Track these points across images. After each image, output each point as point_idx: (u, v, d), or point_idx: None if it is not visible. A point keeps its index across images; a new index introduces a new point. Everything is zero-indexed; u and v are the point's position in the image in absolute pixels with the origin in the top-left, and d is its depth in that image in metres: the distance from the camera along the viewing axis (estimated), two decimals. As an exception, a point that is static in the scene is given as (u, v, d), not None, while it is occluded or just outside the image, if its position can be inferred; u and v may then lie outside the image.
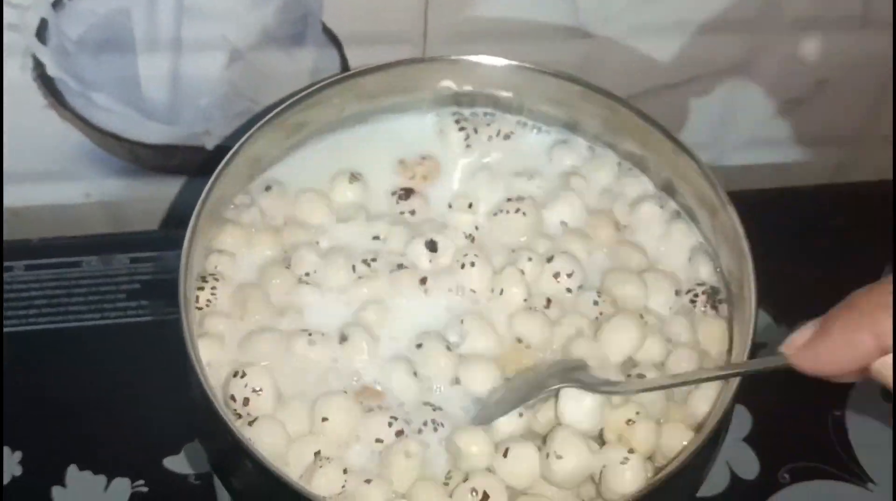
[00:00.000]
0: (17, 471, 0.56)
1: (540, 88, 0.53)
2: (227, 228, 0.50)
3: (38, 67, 0.61)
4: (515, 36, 0.63)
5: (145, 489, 0.56)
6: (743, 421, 0.61)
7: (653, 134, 0.50)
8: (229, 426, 0.41)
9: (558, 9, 0.63)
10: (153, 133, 0.66)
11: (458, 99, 0.54)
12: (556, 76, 0.52)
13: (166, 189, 0.70)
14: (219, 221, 0.50)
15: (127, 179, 0.69)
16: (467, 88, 0.53)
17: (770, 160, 0.76)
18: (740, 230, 0.46)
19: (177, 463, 0.57)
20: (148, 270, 0.65)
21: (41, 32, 0.59)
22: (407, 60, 0.53)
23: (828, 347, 0.36)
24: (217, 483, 0.55)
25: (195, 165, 0.69)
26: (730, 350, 0.47)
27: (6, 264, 0.64)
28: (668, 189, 0.52)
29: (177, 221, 0.71)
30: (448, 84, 0.53)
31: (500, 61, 0.52)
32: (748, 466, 0.59)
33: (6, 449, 0.57)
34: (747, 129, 0.74)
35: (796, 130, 0.74)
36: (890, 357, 0.35)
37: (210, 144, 0.68)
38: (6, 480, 0.56)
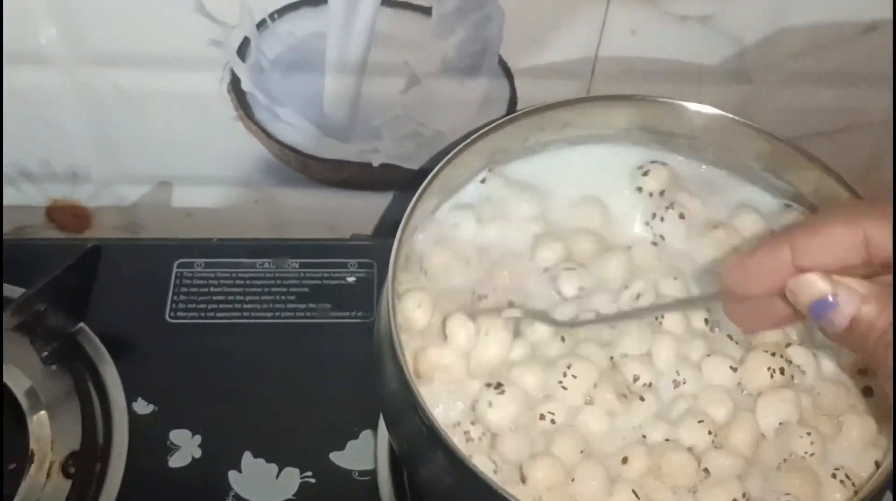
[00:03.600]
0: (198, 453, 0.61)
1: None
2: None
3: (234, 81, 0.66)
4: (678, 76, 0.66)
5: (313, 480, 0.60)
6: None
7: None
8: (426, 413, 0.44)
9: (722, 52, 0.66)
10: (327, 148, 0.71)
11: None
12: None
13: (330, 201, 0.74)
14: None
15: (296, 189, 0.73)
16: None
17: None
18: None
19: (342, 458, 0.61)
20: (315, 275, 0.69)
21: (242, 50, 0.64)
22: (614, 97, 0.58)
23: (753, 261, 0.42)
24: (380, 479, 0.59)
25: (361, 180, 0.73)
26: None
27: (188, 260, 0.69)
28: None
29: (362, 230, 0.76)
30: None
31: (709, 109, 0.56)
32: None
33: (187, 432, 0.62)
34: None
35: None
36: (803, 276, 0.40)
37: (376, 161, 0.72)
38: (188, 461, 0.61)
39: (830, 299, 0.40)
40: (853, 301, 0.40)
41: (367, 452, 0.61)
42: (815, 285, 0.40)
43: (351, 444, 0.62)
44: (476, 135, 0.55)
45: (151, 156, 0.71)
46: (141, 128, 0.69)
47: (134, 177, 0.73)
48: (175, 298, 0.67)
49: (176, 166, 0.72)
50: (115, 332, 0.65)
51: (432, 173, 0.53)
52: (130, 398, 0.62)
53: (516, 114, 0.57)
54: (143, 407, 0.62)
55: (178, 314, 0.67)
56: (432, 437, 0.44)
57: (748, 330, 0.49)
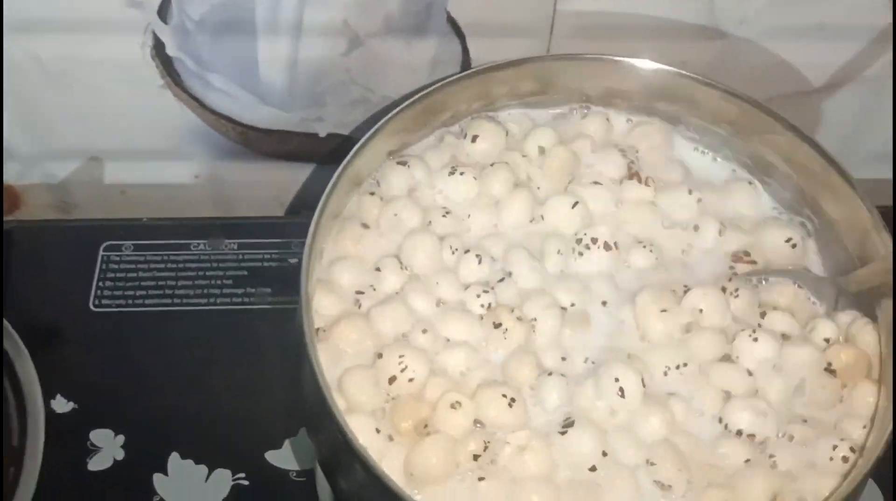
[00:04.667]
0: (120, 455, 0.56)
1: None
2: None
3: (158, 46, 0.60)
4: (644, 33, 0.61)
5: (246, 482, 0.55)
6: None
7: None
8: (340, 424, 0.39)
9: (692, 6, 0.60)
10: (267, 117, 0.65)
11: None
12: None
13: (276, 175, 0.69)
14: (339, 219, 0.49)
15: (237, 162, 0.68)
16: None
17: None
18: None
19: (278, 458, 0.56)
20: (256, 257, 0.64)
21: (163, 10, 0.58)
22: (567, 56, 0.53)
23: None
24: (319, 481, 0.54)
25: (307, 151, 0.67)
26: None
27: (115, 242, 0.64)
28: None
29: (292, 210, 0.70)
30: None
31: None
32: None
33: (110, 432, 0.57)
34: (881, 141, 0.70)
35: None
36: None
37: (323, 131, 0.66)
38: (109, 464, 0.55)
39: None
40: None
41: (305, 450, 0.56)
42: None
43: (289, 442, 0.57)
44: (415, 97, 0.50)
45: (78, 130, 0.66)
46: (64, 100, 0.63)
47: (61, 153, 0.68)
48: (100, 284, 0.62)
49: (105, 140, 0.67)
50: (34, 323, 0.60)
51: (357, 145, 0.48)
52: (48, 396, 0.57)
53: (459, 75, 0.51)
54: (61, 405, 0.57)
55: (104, 301, 0.62)
56: (349, 450, 0.39)
57: None
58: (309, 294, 0.43)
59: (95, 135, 0.66)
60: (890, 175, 0.72)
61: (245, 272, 0.63)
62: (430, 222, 0.50)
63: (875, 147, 0.70)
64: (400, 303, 0.47)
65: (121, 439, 0.56)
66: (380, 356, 0.45)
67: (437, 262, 0.49)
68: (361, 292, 0.48)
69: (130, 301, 0.62)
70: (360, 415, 0.43)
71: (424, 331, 0.47)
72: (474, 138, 0.53)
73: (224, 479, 0.55)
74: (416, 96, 0.50)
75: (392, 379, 0.44)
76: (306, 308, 0.42)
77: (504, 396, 0.44)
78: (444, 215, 0.50)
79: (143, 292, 0.62)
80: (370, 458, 0.39)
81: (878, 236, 0.46)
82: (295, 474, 0.56)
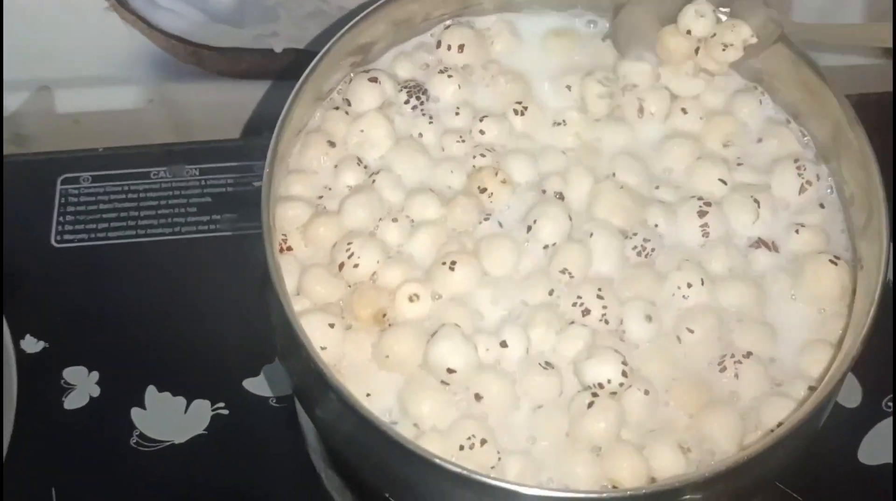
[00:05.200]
0: (96, 392, 0.55)
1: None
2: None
3: (98, -35, 0.57)
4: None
5: (226, 411, 0.55)
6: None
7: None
8: (311, 355, 0.38)
9: None
10: (219, 36, 0.63)
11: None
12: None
13: (234, 95, 0.66)
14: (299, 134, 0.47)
15: (192, 84, 0.65)
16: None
17: (875, 61, 0.71)
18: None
19: (257, 385, 0.56)
20: (219, 182, 0.62)
21: (100, -72, 0.55)
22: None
23: None
24: (298, 406, 0.54)
25: (263, 69, 0.65)
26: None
27: (73, 174, 0.62)
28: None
29: (251, 130, 0.68)
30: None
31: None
32: (851, 395, 0.56)
33: (83, 369, 0.56)
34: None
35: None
36: None
37: (278, 46, 0.64)
38: (85, 401, 0.55)
39: None
40: None
41: (283, 376, 0.55)
42: None
43: (266, 369, 0.56)
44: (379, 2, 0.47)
45: (22, 57, 0.63)
46: (6, 28, 0.60)
47: (10, 83, 0.65)
48: (61, 219, 0.60)
49: (52, 68, 0.64)
50: (-5, 262, 0.58)
51: (320, 54, 0.45)
52: (17, 336, 0.56)
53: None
54: (31, 345, 0.56)
55: (66, 237, 0.60)
56: (321, 381, 0.38)
57: None
58: (271, 221, 0.42)
59: (42, 63, 0.64)
60: (862, 61, 0.70)
61: (209, 199, 0.62)
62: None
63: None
64: (365, 194, 0.46)
65: (95, 375, 0.56)
66: (333, 246, 0.44)
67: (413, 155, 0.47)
68: (321, 198, 0.46)
69: (93, 235, 0.60)
70: (317, 313, 0.42)
71: (395, 220, 0.45)
72: (461, 48, 0.49)
73: (203, 410, 0.55)
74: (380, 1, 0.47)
75: (341, 266, 0.43)
76: (269, 236, 0.41)
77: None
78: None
79: (106, 225, 0.60)
80: (343, 388, 0.38)
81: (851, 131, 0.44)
82: (275, 400, 0.55)
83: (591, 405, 0.40)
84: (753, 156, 0.48)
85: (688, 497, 0.38)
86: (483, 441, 0.40)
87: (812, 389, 0.41)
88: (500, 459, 0.40)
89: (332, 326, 0.42)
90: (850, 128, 0.44)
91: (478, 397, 0.41)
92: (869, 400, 0.56)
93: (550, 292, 0.43)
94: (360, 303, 0.43)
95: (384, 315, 0.43)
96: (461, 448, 0.40)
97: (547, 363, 0.42)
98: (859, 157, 0.44)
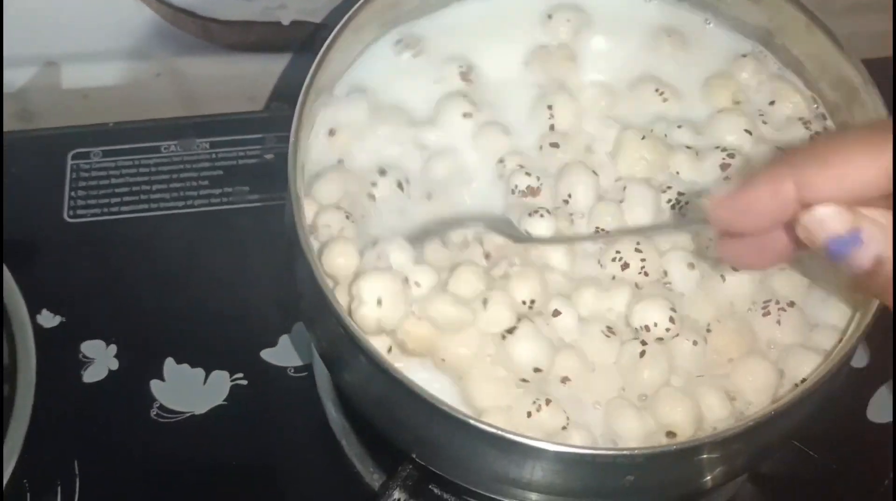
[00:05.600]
0: (114, 365, 0.55)
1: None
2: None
3: (106, -62, 0.57)
4: None
5: (244, 382, 0.55)
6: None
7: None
8: (341, 317, 0.39)
9: None
10: (227, 9, 0.63)
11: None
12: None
13: (242, 68, 0.66)
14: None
15: (201, 57, 0.65)
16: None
17: (879, 28, 0.71)
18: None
19: (275, 355, 0.56)
20: (229, 155, 0.62)
21: None
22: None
23: (748, 196, 0.35)
24: (317, 375, 0.54)
25: (272, 41, 0.65)
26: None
27: (83, 149, 0.62)
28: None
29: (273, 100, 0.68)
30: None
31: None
32: (859, 355, 0.57)
33: (101, 343, 0.56)
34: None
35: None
36: (818, 209, 0.33)
37: (286, 18, 0.64)
38: (104, 375, 0.55)
39: (853, 236, 0.33)
40: (880, 238, 0.33)
41: (301, 345, 0.56)
42: (835, 220, 0.33)
43: (283, 339, 0.57)
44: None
45: (30, 33, 0.63)
46: (12, 2, 0.60)
47: (16, 58, 0.65)
48: (73, 194, 0.60)
49: (59, 44, 0.64)
50: (10, 238, 0.58)
51: (336, 30, 0.46)
52: (34, 311, 0.56)
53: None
54: (48, 320, 0.56)
55: (78, 211, 0.60)
56: (352, 343, 0.39)
57: (743, 267, 0.43)
58: (298, 189, 0.42)
59: (48, 39, 0.63)
60: (868, 27, 0.71)
61: (220, 172, 0.62)
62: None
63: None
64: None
65: (113, 349, 0.56)
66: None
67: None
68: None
69: (105, 209, 0.60)
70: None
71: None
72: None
73: (222, 381, 0.55)
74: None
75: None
76: (297, 204, 0.41)
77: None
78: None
79: (118, 200, 0.60)
80: (374, 350, 0.38)
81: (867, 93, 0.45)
82: (293, 370, 0.56)
83: (642, 354, 0.41)
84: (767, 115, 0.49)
85: (705, 455, 0.39)
86: (548, 401, 0.40)
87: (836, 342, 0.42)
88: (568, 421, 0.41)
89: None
90: (865, 90, 0.45)
91: (564, 380, 0.41)
92: (876, 361, 0.57)
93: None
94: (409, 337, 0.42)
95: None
96: (528, 414, 0.40)
97: (608, 328, 0.42)
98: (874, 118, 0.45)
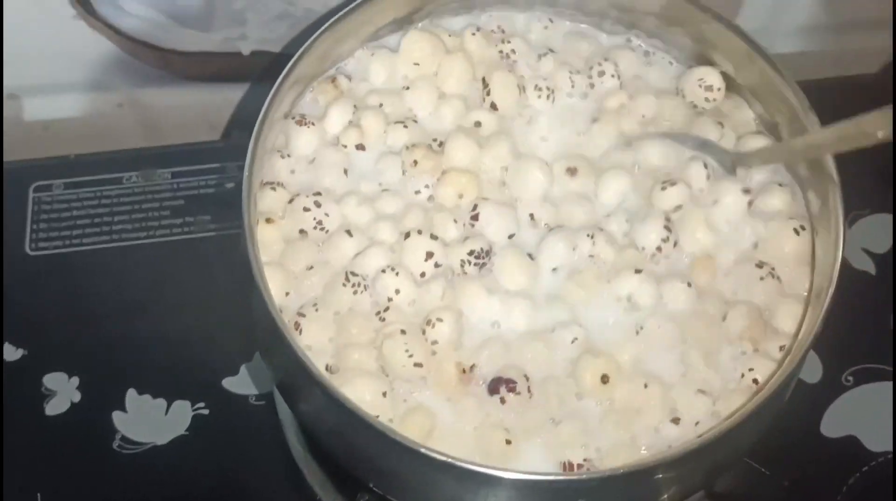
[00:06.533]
0: (77, 397, 0.56)
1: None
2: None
3: (64, -27, 0.58)
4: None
5: (206, 411, 0.56)
6: (807, 325, 0.59)
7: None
8: (293, 346, 0.39)
9: None
10: (186, 40, 0.63)
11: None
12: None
13: (203, 98, 0.67)
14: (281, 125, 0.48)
15: (162, 88, 0.66)
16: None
17: (824, 48, 0.73)
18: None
19: (236, 384, 0.57)
20: (191, 184, 0.63)
21: (66, -64, 0.56)
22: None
23: None
24: (278, 403, 0.55)
25: (232, 71, 0.66)
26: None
27: (45, 182, 0.62)
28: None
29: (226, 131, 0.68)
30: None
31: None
32: (812, 370, 0.58)
33: (63, 375, 0.56)
34: (802, 13, 0.70)
35: (853, 15, 0.71)
36: None
37: (246, 49, 0.64)
38: (66, 407, 0.55)
39: None
40: None
41: (261, 374, 0.57)
42: None
43: (245, 368, 0.57)
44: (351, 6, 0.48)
45: (-11, 67, 0.63)
46: (-29, 37, 0.60)
47: (-24, 93, 0.65)
48: (34, 226, 0.61)
49: (20, 76, 0.64)
50: (-30, 272, 0.58)
51: (293, 60, 0.46)
52: (-4, 344, 0.56)
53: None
54: (10, 353, 0.57)
55: (40, 244, 0.60)
56: (306, 374, 0.39)
57: None
58: (252, 223, 0.43)
59: (10, 72, 0.64)
60: (814, 47, 0.72)
61: (182, 202, 0.62)
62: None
63: (798, 20, 0.70)
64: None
65: (75, 381, 0.56)
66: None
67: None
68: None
69: (68, 242, 0.60)
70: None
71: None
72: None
73: (184, 410, 0.56)
74: (352, 5, 0.48)
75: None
76: (250, 233, 0.42)
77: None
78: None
79: (80, 232, 0.61)
80: (328, 382, 0.39)
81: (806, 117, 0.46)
82: (254, 398, 0.56)
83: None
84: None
85: (660, 475, 0.40)
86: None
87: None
88: None
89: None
90: (805, 115, 0.46)
91: None
92: (829, 375, 0.58)
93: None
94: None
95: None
96: None
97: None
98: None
